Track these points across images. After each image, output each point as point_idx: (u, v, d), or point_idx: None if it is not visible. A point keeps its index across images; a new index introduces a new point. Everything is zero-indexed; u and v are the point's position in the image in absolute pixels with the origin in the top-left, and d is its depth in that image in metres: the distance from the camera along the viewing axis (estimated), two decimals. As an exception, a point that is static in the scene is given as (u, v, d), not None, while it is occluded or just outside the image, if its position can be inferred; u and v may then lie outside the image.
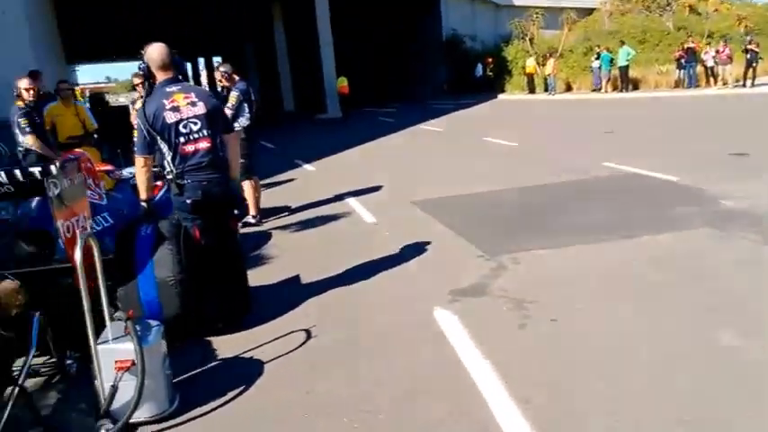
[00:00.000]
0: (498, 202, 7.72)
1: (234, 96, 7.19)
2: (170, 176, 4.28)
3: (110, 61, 59.07)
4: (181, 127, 4.18)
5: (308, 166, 12.27)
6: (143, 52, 4.35)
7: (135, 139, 4.33)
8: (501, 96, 28.22)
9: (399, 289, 4.98)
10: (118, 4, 27.49)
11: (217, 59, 51.34)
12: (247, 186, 7.36)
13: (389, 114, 24.17)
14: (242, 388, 3.50)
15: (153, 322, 3.43)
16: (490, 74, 30.17)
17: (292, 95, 32.09)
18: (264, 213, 7.79)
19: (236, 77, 7.50)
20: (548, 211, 6.93)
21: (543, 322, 4.09)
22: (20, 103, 7.61)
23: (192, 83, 4.63)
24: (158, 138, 4.18)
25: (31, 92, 7.66)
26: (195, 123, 4.21)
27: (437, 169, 10.76)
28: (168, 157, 4.24)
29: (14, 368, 3.31)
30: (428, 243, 6.06)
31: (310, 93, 29.80)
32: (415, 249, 5.91)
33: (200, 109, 4.24)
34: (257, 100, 7.69)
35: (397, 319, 4.39)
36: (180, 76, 4.46)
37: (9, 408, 3.14)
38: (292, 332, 4.23)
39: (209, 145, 4.25)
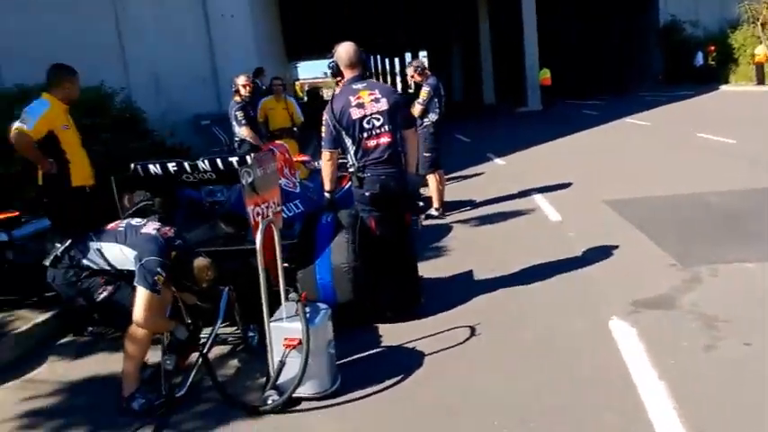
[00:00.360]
0: (703, 205, 7.00)
1: (425, 92, 7.34)
2: (352, 170, 4.48)
3: (326, 58, 63.20)
4: (365, 123, 4.35)
5: (498, 160, 12.10)
6: (333, 51, 4.60)
7: (322, 134, 4.59)
8: (724, 87, 25.49)
9: (576, 293, 4.76)
10: (334, 4, 29.32)
11: (422, 54, 52.71)
12: (432, 179, 7.49)
13: (594, 107, 22.97)
14: (400, 377, 3.59)
15: (322, 306, 3.63)
16: (712, 63, 27.33)
17: (493, 88, 31.88)
18: (448, 206, 7.84)
19: (428, 73, 7.63)
20: (761, 219, 6.15)
21: (735, 346, 3.66)
22: (237, 98, 8.50)
23: (374, 79, 4.80)
24: (343, 133, 4.40)
25: (248, 87, 8.53)
26: (378, 119, 4.37)
27: (638, 167, 10.03)
28: (351, 151, 4.44)
29: (203, 336, 3.72)
30: (615, 247, 5.69)
31: (511, 85, 29.37)
32: (600, 252, 5.60)
33: (383, 105, 4.38)
34: (445, 95, 7.74)
35: (568, 325, 4.20)
36: (366, 74, 4.64)
37: (193, 372, 3.55)
38: (457, 327, 4.23)
39: (389, 140, 4.39)
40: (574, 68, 34.12)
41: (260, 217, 4.03)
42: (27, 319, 4.71)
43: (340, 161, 4.73)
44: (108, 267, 3.48)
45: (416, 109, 7.36)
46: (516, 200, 8.23)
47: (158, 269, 3.33)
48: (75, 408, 3.63)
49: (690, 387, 3.25)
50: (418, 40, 48.35)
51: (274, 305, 3.52)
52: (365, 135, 4.36)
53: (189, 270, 3.50)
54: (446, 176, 9.79)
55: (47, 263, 3.52)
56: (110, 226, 3.59)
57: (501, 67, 31.56)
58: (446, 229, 7.00)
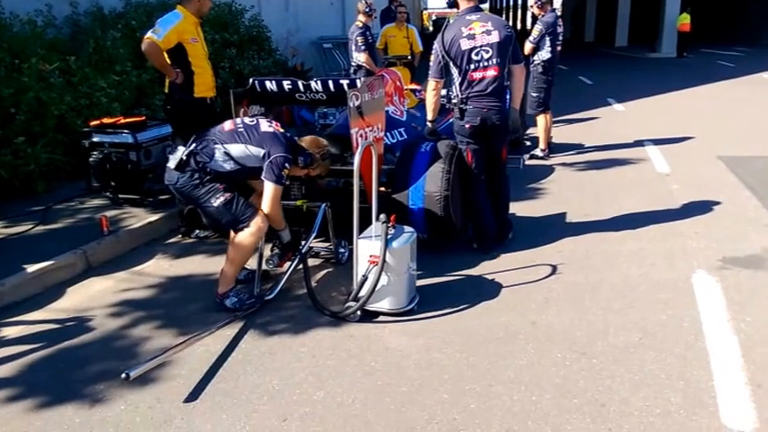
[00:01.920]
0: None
1: (537, 29, 7.16)
2: (455, 101, 4.56)
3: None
4: (473, 54, 4.37)
5: (617, 106, 11.65)
6: None
7: (430, 63, 4.67)
8: None
9: (666, 244, 4.70)
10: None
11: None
12: (541, 120, 7.41)
13: (732, 59, 21.28)
14: (473, 304, 3.79)
15: (408, 229, 3.82)
16: None
17: (627, 30, 30.02)
18: (555, 149, 7.77)
19: (548, 8, 7.37)
20: None
21: (819, 312, 3.57)
22: (359, 23, 8.64)
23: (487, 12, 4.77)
24: (451, 63, 4.45)
25: (371, 14, 8.66)
26: (487, 51, 4.38)
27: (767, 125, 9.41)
28: (456, 82, 4.51)
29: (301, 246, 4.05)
30: (718, 203, 5.55)
31: (646, 28, 27.52)
32: (700, 207, 5.47)
33: (494, 38, 4.37)
34: (563, 33, 7.51)
35: (651, 273, 4.21)
36: (480, 6, 4.62)
37: (284, 279, 3.92)
38: (539, 265, 4.34)
39: (495, 73, 4.40)
40: (717, 13, 31.43)
41: (362, 139, 4.24)
42: (141, 218, 5.20)
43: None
44: (234, 167, 3.71)
45: (527, 47, 7.19)
46: (627, 148, 7.99)
47: (286, 164, 3.65)
48: (170, 300, 4.04)
49: (760, 345, 3.25)
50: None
51: (367, 225, 3.76)
52: (472, 67, 4.39)
53: (302, 149, 3.87)
54: (561, 118, 9.69)
55: (171, 165, 3.71)
56: (225, 128, 3.81)
57: (637, 8, 29.55)
58: (548, 171, 6.97)
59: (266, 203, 3.68)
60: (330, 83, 4.61)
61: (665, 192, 6.07)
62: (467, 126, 4.49)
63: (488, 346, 3.34)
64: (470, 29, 4.39)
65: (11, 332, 3.63)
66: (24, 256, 4.31)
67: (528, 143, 7.91)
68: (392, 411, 2.80)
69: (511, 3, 60.85)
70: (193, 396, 2.94)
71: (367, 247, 3.60)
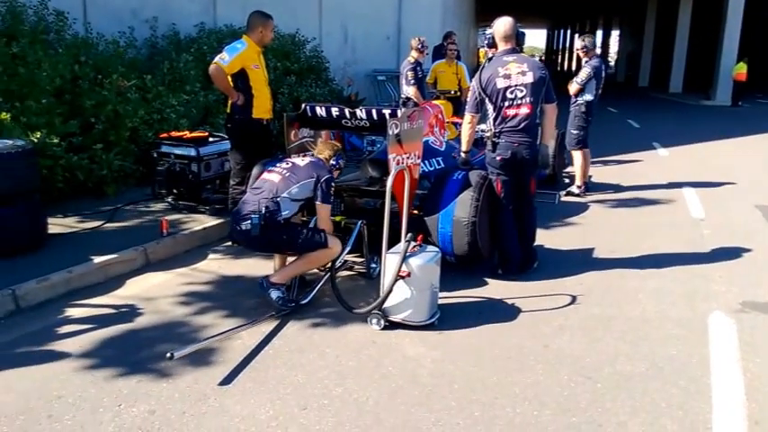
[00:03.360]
0: None
1: (585, 72, 7.42)
2: (488, 134, 4.87)
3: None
4: (508, 92, 4.69)
5: (661, 150, 11.71)
6: (491, 24, 4.96)
7: (468, 99, 5.01)
8: None
9: (688, 285, 4.83)
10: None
11: (615, 32, 50.36)
12: (578, 157, 7.64)
13: (790, 110, 20.99)
14: (491, 324, 4.04)
15: (432, 248, 4.12)
16: None
17: (682, 76, 29.74)
18: (592, 187, 7.97)
19: (594, 53, 7.64)
20: None
21: (829, 360, 3.67)
22: (411, 58, 9.07)
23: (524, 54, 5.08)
24: (486, 99, 4.78)
25: (423, 51, 9.09)
26: (521, 90, 4.69)
27: (814, 179, 9.37)
28: (491, 117, 4.83)
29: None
30: (747, 250, 5.63)
31: (701, 75, 27.28)
32: (729, 253, 5.57)
33: (529, 78, 4.68)
34: (606, 75, 7.74)
35: (668, 310, 4.37)
36: (518, 48, 4.95)
37: (318, 287, 4.31)
38: (559, 294, 4.56)
39: (528, 111, 4.70)
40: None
41: (398, 165, 4.58)
42: (200, 222, 5.77)
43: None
44: (298, 205, 4.21)
45: (573, 87, 7.48)
46: (664, 190, 8.11)
47: (332, 183, 4.21)
48: (218, 295, 4.50)
49: (767, 385, 3.37)
50: (611, 17, 46.25)
51: (398, 243, 4.04)
52: (506, 104, 4.69)
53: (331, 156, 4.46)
54: (603, 158, 9.88)
55: (256, 232, 4.01)
56: (276, 181, 4.21)
57: (694, 54, 29.32)
58: (582, 207, 7.16)
59: (322, 221, 4.23)
60: (373, 111, 4.98)
61: (696, 236, 6.19)
62: (498, 158, 4.78)
63: (499, 362, 3.58)
64: (506, 69, 4.70)
65: (75, 313, 4.14)
66: (92, 249, 4.87)
67: (566, 180, 8.13)
68: (402, 411, 3.07)
69: (568, 45, 61.44)
70: (227, 381, 3.30)
71: (393, 262, 3.90)
